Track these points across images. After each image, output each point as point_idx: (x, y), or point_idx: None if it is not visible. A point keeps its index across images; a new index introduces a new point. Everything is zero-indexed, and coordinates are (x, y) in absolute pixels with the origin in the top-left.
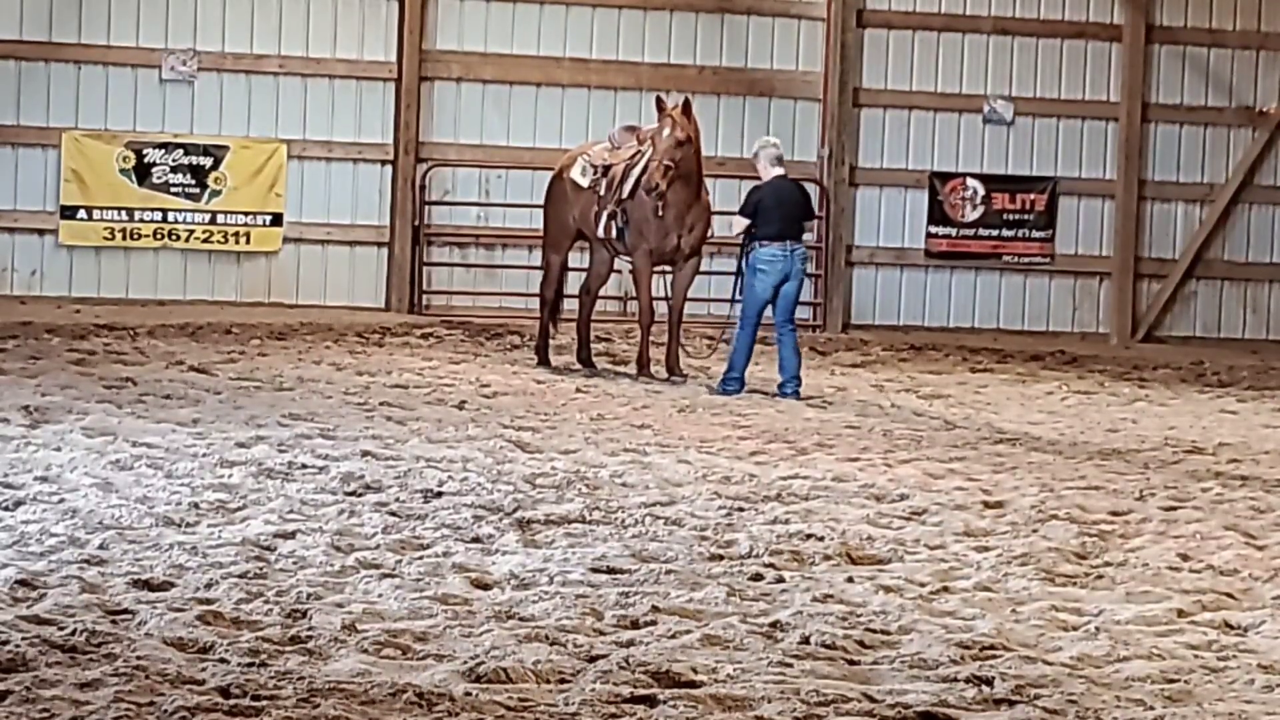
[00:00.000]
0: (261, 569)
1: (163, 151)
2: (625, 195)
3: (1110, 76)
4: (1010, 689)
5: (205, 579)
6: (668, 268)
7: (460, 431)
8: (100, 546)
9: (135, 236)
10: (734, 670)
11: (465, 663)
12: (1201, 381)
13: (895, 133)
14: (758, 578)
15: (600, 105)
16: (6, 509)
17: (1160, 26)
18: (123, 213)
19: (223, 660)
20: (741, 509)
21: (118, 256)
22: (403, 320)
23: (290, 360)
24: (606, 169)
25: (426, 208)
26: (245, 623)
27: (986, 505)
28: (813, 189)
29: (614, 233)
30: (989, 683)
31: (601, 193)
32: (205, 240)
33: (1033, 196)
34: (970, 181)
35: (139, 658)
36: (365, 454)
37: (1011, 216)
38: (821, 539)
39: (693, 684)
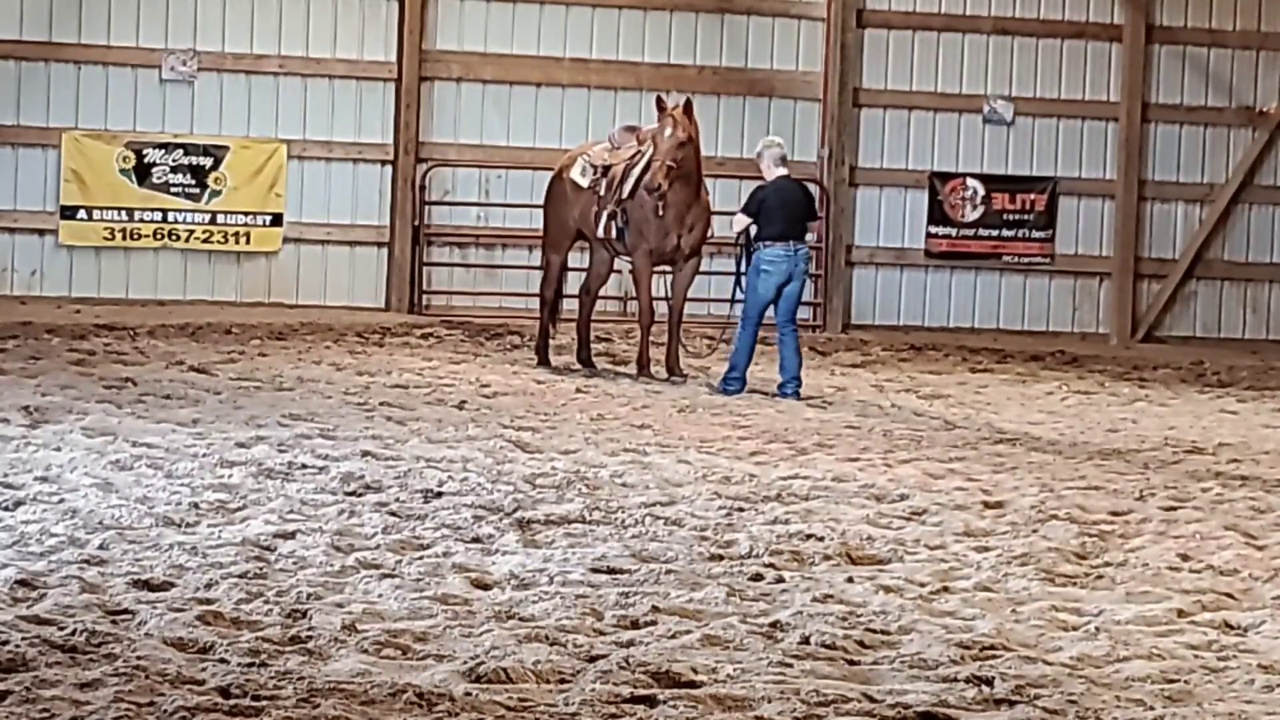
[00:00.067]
0: (261, 569)
1: (163, 151)
2: (625, 195)
3: (1110, 76)
4: (1010, 689)
5: (205, 579)
6: (668, 268)
7: (460, 431)
8: (100, 546)
9: (135, 236)
10: (734, 670)
11: (465, 663)
12: (1201, 381)
13: (895, 133)
14: (758, 578)
15: (600, 105)
16: (6, 509)
17: (1160, 26)
18: (123, 213)
19: (223, 660)
20: (741, 509)
21: (118, 256)
22: (403, 320)
23: (290, 360)
24: (606, 169)
25: (426, 208)
26: (245, 623)
27: (986, 505)
28: (813, 189)
29: (614, 233)
30: (989, 683)
31: (601, 193)
32: (205, 240)
33: (1033, 196)
34: (970, 181)
35: (139, 658)
36: (365, 454)
37: (1011, 216)
38: (821, 539)
39: (693, 684)
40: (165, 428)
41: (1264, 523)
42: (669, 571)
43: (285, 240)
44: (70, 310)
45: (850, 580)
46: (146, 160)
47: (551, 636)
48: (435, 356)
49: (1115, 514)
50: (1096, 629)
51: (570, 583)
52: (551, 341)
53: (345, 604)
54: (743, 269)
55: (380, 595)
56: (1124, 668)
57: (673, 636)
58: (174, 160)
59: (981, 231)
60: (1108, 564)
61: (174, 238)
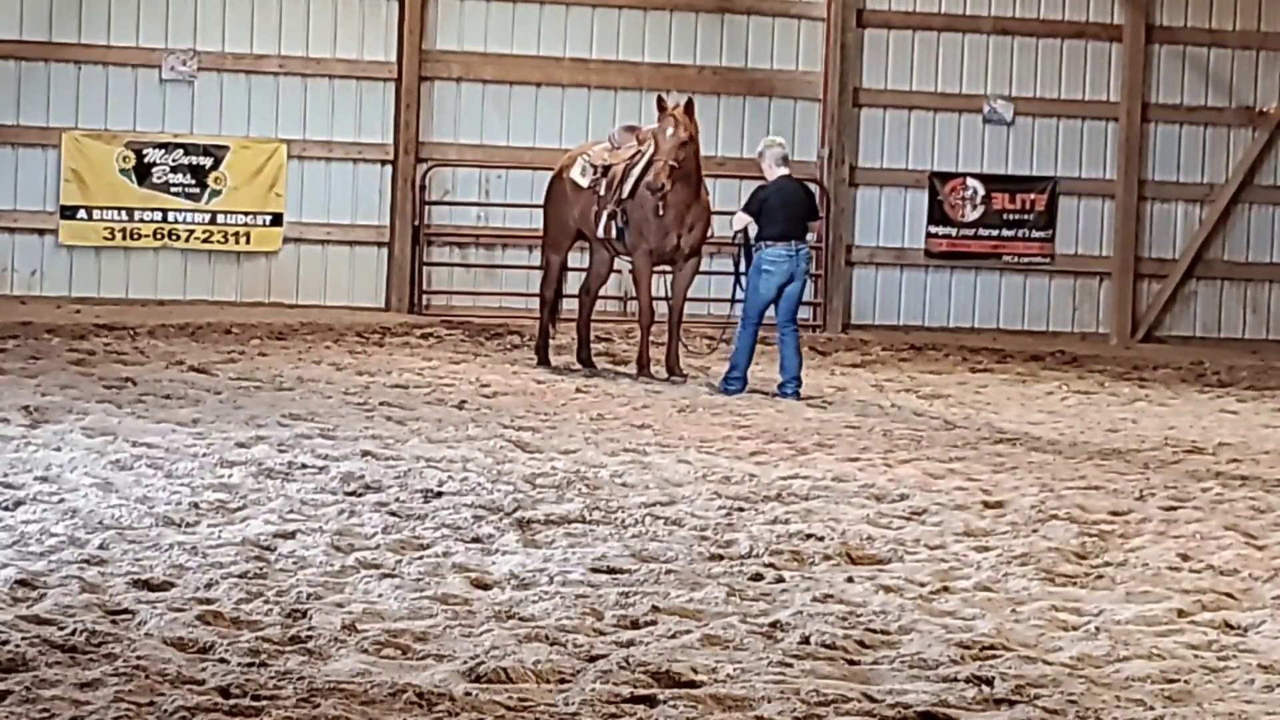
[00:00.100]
0: (261, 569)
1: (163, 151)
2: (625, 195)
3: (1110, 76)
4: (1010, 689)
5: (205, 579)
6: (667, 268)
7: (460, 431)
8: (100, 546)
9: (135, 236)
10: (734, 670)
11: (465, 663)
12: (1201, 381)
13: (895, 133)
14: (758, 578)
15: (600, 105)
16: (6, 509)
17: (1160, 26)
18: (123, 213)
19: (223, 660)
20: (741, 509)
21: (118, 256)
22: (403, 320)
23: (290, 360)
24: (606, 169)
25: (426, 208)
26: (245, 623)
27: (986, 505)
28: (814, 189)
29: (614, 233)
30: (989, 683)
31: (601, 193)
32: (205, 240)
33: (1033, 196)
34: (970, 181)
35: (139, 658)
36: (365, 454)
37: (1011, 216)
38: (821, 539)
39: (693, 684)
40: (165, 428)
41: (1264, 523)
42: (669, 571)
43: (285, 240)
44: (70, 310)
45: (850, 580)
46: (146, 160)
47: (551, 636)
48: (435, 356)
49: (1115, 514)
50: (1096, 629)
51: (570, 583)
52: (551, 341)
53: (345, 604)
54: (741, 268)
55: (380, 595)
56: (1124, 668)
57: (673, 636)
58: (174, 160)
59: (981, 231)
60: (1108, 564)
61: (174, 238)
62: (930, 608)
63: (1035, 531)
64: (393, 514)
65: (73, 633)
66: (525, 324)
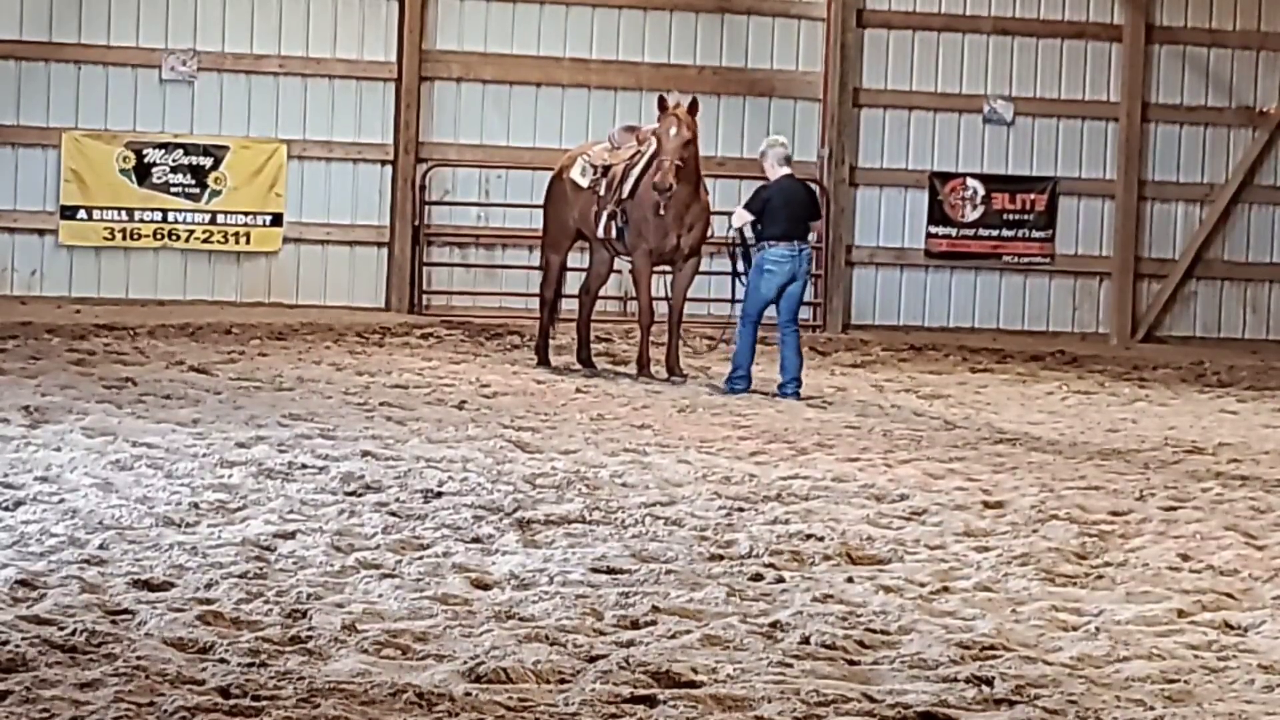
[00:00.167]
0: (261, 569)
1: (163, 151)
2: (625, 195)
3: (1110, 76)
4: (1010, 689)
5: (205, 579)
6: (667, 268)
7: (460, 431)
8: (100, 546)
9: (135, 236)
10: (734, 670)
11: (465, 663)
12: (1201, 381)
13: (895, 133)
14: (758, 578)
15: (600, 105)
16: (6, 509)
17: (1160, 26)
18: (123, 213)
19: (223, 660)
20: (741, 509)
21: (118, 256)
22: (403, 320)
23: (290, 360)
24: (606, 169)
25: (426, 208)
26: (245, 623)
27: (986, 505)
28: (815, 189)
29: (614, 233)
30: (989, 683)
31: (601, 193)
32: (205, 240)
33: (1033, 196)
34: (970, 181)
35: (139, 658)
36: (365, 454)
37: (1011, 216)
38: (821, 539)
39: (693, 684)
40: (165, 428)
41: (1264, 523)
42: (669, 571)
43: (285, 240)
44: (70, 310)
45: (850, 580)
46: (146, 160)
47: (551, 636)
48: (435, 356)
49: (1115, 514)
50: (1096, 629)
51: (570, 583)
52: (551, 341)
53: (345, 604)
54: (738, 266)
55: (380, 595)
56: (1124, 668)
57: (673, 636)
58: (174, 160)
59: (981, 231)
60: (1108, 564)
61: (174, 238)
62: (930, 608)
63: (1035, 531)
64: (393, 514)
65: (73, 633)
66: (525, 324)
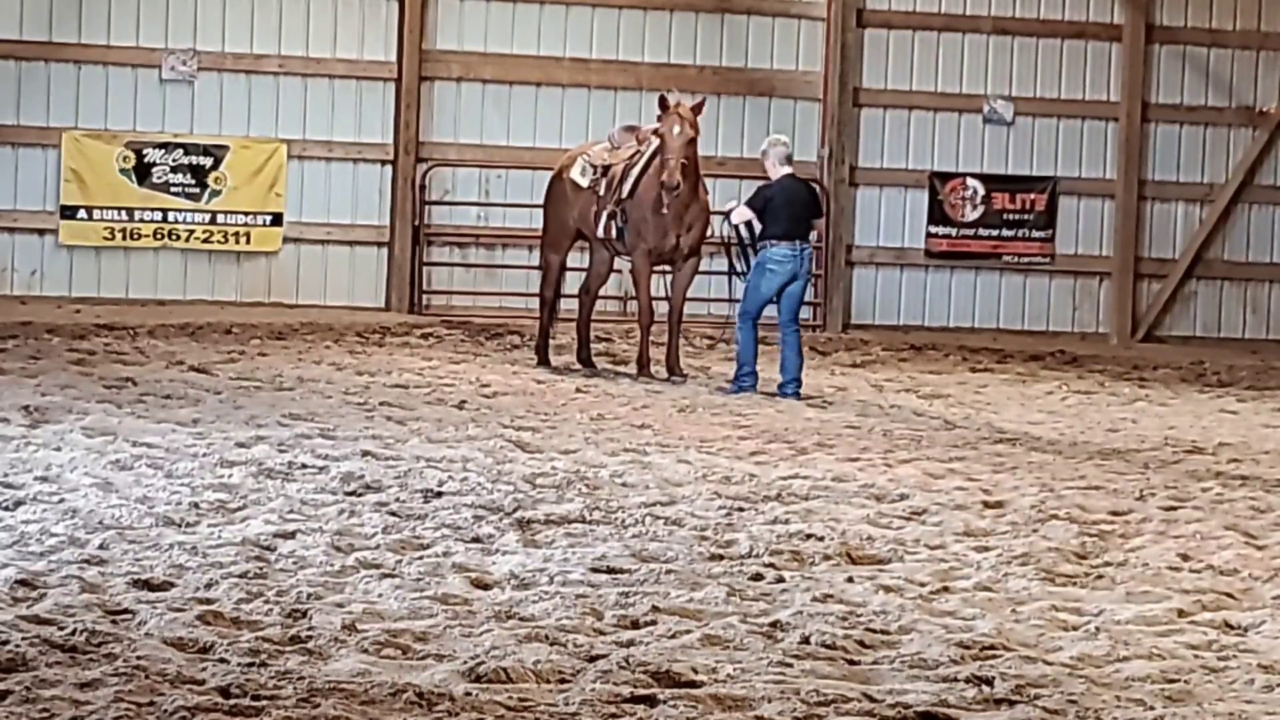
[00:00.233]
0: (261, 569)
1: (163, 151)
2: (625, 195)
3: (1110, 76)
4: (1010, 689)
5: (205, 579)
6: (667, 267)
7: (460, 431)
8: (100, 546)
9: (135, 236)
10: (734, 670)
11: (465, 663)
12: (1201, 381)
13: (895, 133)
14: (758, 578)
15: (600, 105)
16: (6, 509)
17: (1160, 26)
18: (123, 213)
19: (223, 660)
20: (741, 509)
21: (118, 256)
22: (403, 320)
23: (290, 360)
24: (606, 169)
25: (426, 208)
26: (245, 623)
27: (986, 505)
28: (817, 188)
29: (613, 233)
30: (989, 683)
31: (601, 193)
32: (205, 240)
33: (1033, 196)
34: (970, 181)
35: (139, 658)
36: (365, 454)
37: (1011, 216)
38: (821, 539)
39: (693, 684)
40: (165, 428)
41: (1264, 523)
42: (669, 571)
43: (285, 240)
44: (70, 310)
45: (850, 580)
46: (146, 160)
47: (551, 636)
48: (435, 356)
49: (1115, 514)
50: (1096, 629)
51: (570, 583)
52: (551, 341)
53: (345, 604)
54: (734, 263)
55: (380, 595)
56: (1124, 668)
57: (673, 636)
58: (174, 160)
59: (981, 231)
60: (1108, 564)
61: (174, 237)
62: (930, 608)
63: (1035, 531)
64: (393, 514)
65: (73, 633)
66: (525, 324)
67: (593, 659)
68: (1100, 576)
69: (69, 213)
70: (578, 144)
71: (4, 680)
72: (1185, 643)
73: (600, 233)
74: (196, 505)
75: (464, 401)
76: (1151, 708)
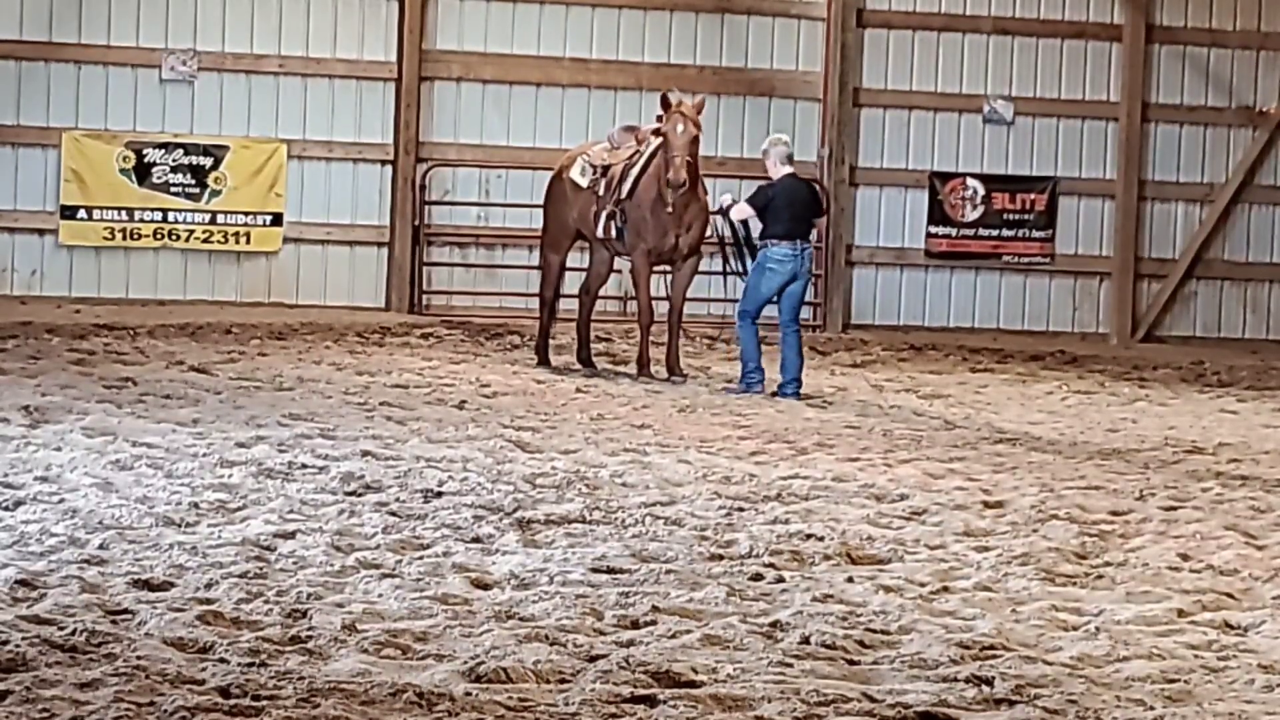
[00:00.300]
0: (261, 569)
1: (163, 151)
2: (624, 195)
3: (1110, 76)
4: (1010, 689)
5: (205, 579)
6: (667, 267)
7: (460, 431)
8: (100, 546)
9: (135, 236)
10: (734, 670)
11: (465, 663)
12: (1201, 381)
13: (895, 133)
14: (758, 578)
15: (600, 105)
16: (6, 509)
17: (1160, 26)
18: (123, 213)
19: (223, 660)
20: (741, 509)
21: (118, 256)
22: (403, 320)
23: (290, 360)
24: (606, 169)
25: (426, 208)
26: (245, 623)
27: (986, 505)
28: (817, 188)
29: (613, 233)
30: (989, 683)
31: (601, 193)
32: (205, 240)
33: (1033, 196)
34: (970, 181)
35: (139, 658)
36: (365, 454)
37: (1011, 216)
38: (821, 539)
39: (693, 684)
40: (165, 428)
41: (1264, 523)
42: (669, 571)
43: (285, 240)
44: (70, 310)
45: (850, 580)
46: (146, 160)
47: (551, 636)
48: (435, 356)
49: (1115, 514)
50: (1096, 629)
51: (570, 583)
52: (551, 341)
53: (345, 604)
54: (729, 260)
55: (380, 595)
56: (1124, 668)
57: (673, 636)
58: (174, 160)
59: (981, 231)
60: (1108, 564)
61: (174, 237)
62: (930, 608)
63: (1035, 531)
64: (393, 514)
65: (73, 633)
66: (525, 324)
67: (593, 659)
68: (1100, 576)
69: (69, 213)
70: (578, 144)
71: (4, 680)
72: (1185, 643)
73: (600, 233)
74: (196, 505)
75: (464, 401)
76: (1151, 708)
